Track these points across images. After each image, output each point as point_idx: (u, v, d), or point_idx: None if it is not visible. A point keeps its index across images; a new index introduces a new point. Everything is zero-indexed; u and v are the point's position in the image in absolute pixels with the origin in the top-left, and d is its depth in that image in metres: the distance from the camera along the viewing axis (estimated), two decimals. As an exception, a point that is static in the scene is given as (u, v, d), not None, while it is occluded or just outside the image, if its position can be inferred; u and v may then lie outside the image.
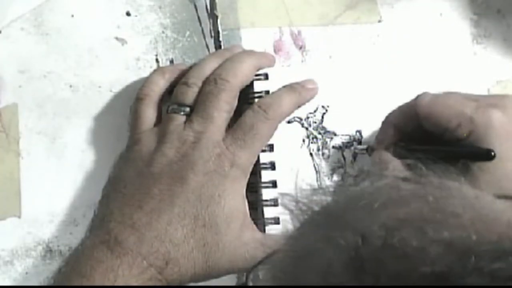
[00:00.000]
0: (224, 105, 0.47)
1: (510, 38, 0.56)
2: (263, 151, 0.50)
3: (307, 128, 0.51)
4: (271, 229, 0.50)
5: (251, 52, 0.51)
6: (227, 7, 0.54)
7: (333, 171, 0.52)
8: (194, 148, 0.46)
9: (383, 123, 0.49)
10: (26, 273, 0.51)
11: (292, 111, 0.50)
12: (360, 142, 0.52)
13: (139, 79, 0.53)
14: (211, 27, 0.54)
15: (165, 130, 0.48)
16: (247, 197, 0.49)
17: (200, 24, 0.54)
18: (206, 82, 0.48)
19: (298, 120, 0.52)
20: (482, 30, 0.56)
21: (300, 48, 0.54)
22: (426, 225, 0.25)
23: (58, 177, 0.52)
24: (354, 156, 0.52)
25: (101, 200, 0.49)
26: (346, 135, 0.52)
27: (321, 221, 0.29)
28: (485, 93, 0.55)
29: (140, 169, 0.47)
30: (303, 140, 0.51)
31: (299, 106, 0.50)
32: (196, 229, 0.45)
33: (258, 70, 0.50)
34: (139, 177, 0.47)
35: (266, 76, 0.50)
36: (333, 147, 0.52)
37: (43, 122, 0.52)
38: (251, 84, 0.50)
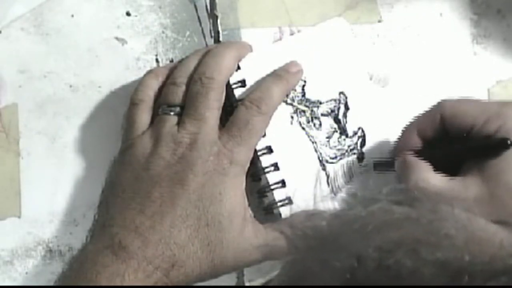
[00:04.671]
0: (214, 103, 0.47)
1: (510, 38, 0.56)
2: (262, 154, 0.50)
3: (291, 104, 0.51)
4: (286, 209, 0.50)
5: (229, 44, 0.51)
6: (227, 7, 0.54)
7: (328, 138, 0.52)
8: (191, 149, 0.46)
9: (405, 130, 0.49)
10: (26, 273, 0.51)
11: (282, 99, 0.50)
12: (346, 106, 0.52)
13: (139, 79, 0.53)
14: (211, 27, 0.54)
15: (158, 133, 0.48)
16: (252, 187, 0.49)
17: (200, 24, 0.54)
18: (192, 81, 0.48)
19: None
20: (482, 30, 0.56)
21: (300, 48, 0.54)
22: (419, 247, 0.25)
23: (58, 177, 0.52)
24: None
25: (100, 206, 0.48)
26: (331, 100, 0.52)
27: (316, 245, 0.29)
28: (485, 93, 0.55)
29: (137, 172, 0.47)
30: (292, 117, 0.51)
31: (288, 92, 0.51)
32: (199, 229, 0.45)
33: (238, 61, 0.50)
34: (137, 181, 0.46)
35: (238, 67, 0.50)
36: (322, 114, 0.52)
37: (43, 122, 0.52)
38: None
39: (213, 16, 0.53)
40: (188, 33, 0.54)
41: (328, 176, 0.51)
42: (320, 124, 0.52)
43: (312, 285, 0.27)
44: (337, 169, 0.51)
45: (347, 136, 0.52)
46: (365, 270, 0.25)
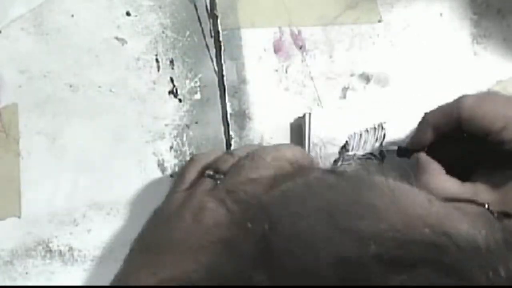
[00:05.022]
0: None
1: (510, 38, 0.56)
2: None
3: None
4: None
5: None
6: (227, 7, 0.54)
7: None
8: (213, 218, 0.44)
9: (420, 123, 0.49)
10: (26, 273, 0.51)
11: None
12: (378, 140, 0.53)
13: (139, 79, 0.53)
14: (211, 27, 0.54)
15: (192, 193, 0.46)
16: None
17: (200, 24, 0.54)
18: (245, 155, 0.47)
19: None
20: (482, 30, 0.56)
21: (300, 48, 0.54)
22: (338, 214, 0.25)
23: (58, 177, 0.52)
24: (382, 155, 0.52)
25: (126, 256, 0.47)
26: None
27: (245, 210, 0.29)
28: (485, 93, 0.55)
29: (161, 231, 0.46)
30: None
31: None
32: None
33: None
34: (156, 239, 0.45)
35: None
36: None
37: (43, 122, 0.52)
38: None
39: (213, 16, 0.53)
40: (188, 33, 0.54)
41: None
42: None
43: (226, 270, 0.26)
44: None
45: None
46: (278, 235, 0.25)
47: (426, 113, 0.48)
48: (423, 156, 0.47)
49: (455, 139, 0.47)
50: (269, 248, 0.24)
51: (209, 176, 0.47)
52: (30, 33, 0.52)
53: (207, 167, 0.48)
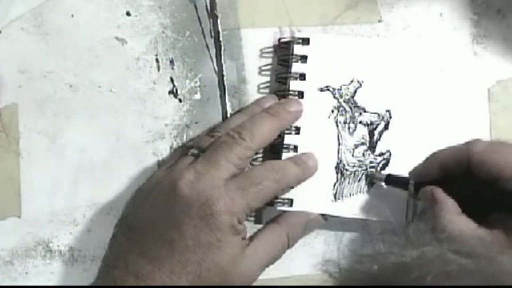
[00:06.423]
0: (234, 158, 0.46)
1: (510, 38, 0.56)
2: (289, 132, 0.51)
3: (338, 99, 0.51)
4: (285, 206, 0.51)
5: (274, 114, 0.50)
6: (227, 7, 0.54)
7: (356, 146, 0.52)
8: (191, 188, 0.45)
9: (428, 159, 0.49)
10: (26, 273, 0.51)
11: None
12: (386, 126, 0.52)
13: (139, 79, 0.53)
14: (211, 27, 0.54)
15: (172, 167, 0.47)
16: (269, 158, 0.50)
17: (200, 24, 0.54)
18: (225, 134, 0.48)
19: (331, 90, 0.52)
20: (482, 30, 0.56)
21: (300, 48, 0.54)
22: None
23: (58, 177, 0.52)
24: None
25: (110, 241, 0.47)
26: (376, 113, 0.52)
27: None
28: (485, 93, 0.55)
29: (141, 210, 0.46)
30: (332, 110, 0.52)
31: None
32: (201, 274, 0.44)
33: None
34: (139, 219, 0.46)
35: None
36: (360, 122, 0.52)
37: (43, 122, 0.52)
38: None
39: (213, 16, 0.53)
40: (188, 33, 0.54)
41: (336, 181, 0.51)
42: (355, 130, 0.52)
43: None
44: (347, 177, 0.51)
45: (373, 152, 0.52)
46: None
47: (436, 151, 0.48)
48: (439, 192, 0.46)
49: (462, 179, 0.47)
50: None
51: (191, 154, 0.48)
52: (30, 33, 0.52)
53: (190, 146, 0.49)
